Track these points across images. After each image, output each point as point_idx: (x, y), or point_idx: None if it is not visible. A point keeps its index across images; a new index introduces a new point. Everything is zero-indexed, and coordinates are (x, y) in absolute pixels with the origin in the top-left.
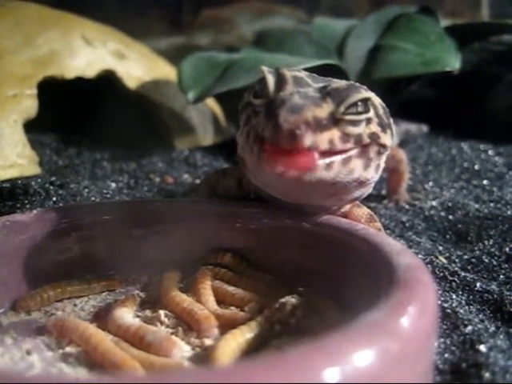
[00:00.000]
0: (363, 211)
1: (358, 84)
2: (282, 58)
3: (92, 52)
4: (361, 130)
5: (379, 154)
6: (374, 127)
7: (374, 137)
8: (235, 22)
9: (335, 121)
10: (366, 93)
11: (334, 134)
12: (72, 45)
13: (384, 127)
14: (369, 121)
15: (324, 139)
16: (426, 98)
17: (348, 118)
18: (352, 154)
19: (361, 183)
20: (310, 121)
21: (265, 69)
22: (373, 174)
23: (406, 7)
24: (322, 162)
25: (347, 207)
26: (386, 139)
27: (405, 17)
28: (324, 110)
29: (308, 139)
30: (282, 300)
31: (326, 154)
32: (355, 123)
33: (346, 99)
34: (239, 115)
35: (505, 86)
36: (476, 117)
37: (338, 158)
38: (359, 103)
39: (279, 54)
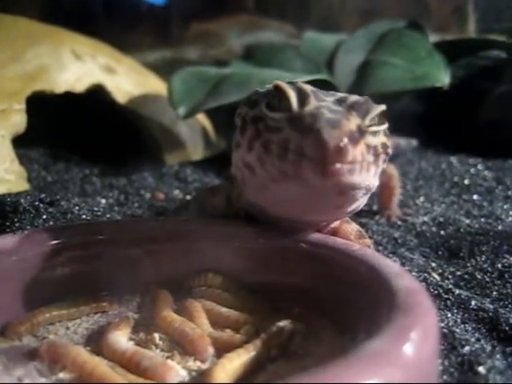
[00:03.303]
0: (352, 227)
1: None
2: (272, 74)
3: (81, 66)
4: (379, 141)
5: (384, 162)
6: (384, 137)
7: (384, 146)
8: (224, 35)
9: (361, 133)
10: (381, 105)
11: (363, 146)
12: (61, 59)
13: (388, 136)
14: (384, 132)
15: (359, 152)
16: (414, 112)
17: (371, 129)
18: (370, 160)
19: (367, 191)
20: (350, 135)
21: (281, 83)
22: (377, 182)
23: (394, 22)
24: (358, 166)
25: (337, 223)
26: (391, 148)
27: (394, 32)
28: (353, 123)
29: (351, 153)
30: (280, 324)
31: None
32: (375, 135)
33: (369, 112)
34: (240, 132)
35: (492, 100)
36: (464, 131)
37: (364, 165)
38: (376, 116)
39: (269, 70)
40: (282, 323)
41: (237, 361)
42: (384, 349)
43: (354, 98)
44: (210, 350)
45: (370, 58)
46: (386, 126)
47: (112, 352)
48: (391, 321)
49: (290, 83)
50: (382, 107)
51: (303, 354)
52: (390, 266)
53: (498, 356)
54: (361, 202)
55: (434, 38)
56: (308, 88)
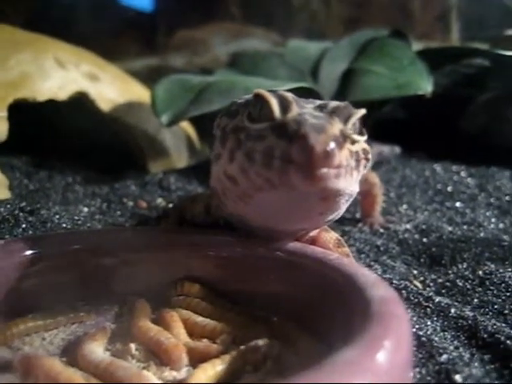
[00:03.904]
0: (331, 236)
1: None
2: (256, 82)
3: (64, 74)
4: (360, 146)
5: (364, 167)
6: (364, 143)
7: (365, 152)
8: (210, 43)
9: (344, 138)
10: (361, 110)
11: (346, 151)
12: (44, 67)
13: (368, 142)
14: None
15: (343, 156)
16: (398, 120)
17: (353, 134)
18: (353, 165)
19: (349, 198)
20: (335, 139)
21: (262, 91)
22: (357, 188)
23: (378, 30)
24: (343, 171)
25: (315, 232)
26: (370, 154)
27: (378, 41)
28: (337, 128)
29: (338, 157)
30: (259, 343)
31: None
32: (357, 140)
33: (350, 117)
34: (220, 143)
35: (475, 108)
36: (448, 138)
37: (348, 169)
38: (357, 121)
39: (253, 77)
40: (260, 342)
41: (211, 371)
42: (356, 358)
43: (334, 103)
44: (185, 359)
45: (353, 66)
46: (365, 137)
47: (87, 363)
48: (365, 330)
49: (271, 91)
50: (363, 111)
51: (281, 364)
52: (366, 275)
53: (476, 364)
54: (342, 209)
55: (418, 45)
56: (289, 95)
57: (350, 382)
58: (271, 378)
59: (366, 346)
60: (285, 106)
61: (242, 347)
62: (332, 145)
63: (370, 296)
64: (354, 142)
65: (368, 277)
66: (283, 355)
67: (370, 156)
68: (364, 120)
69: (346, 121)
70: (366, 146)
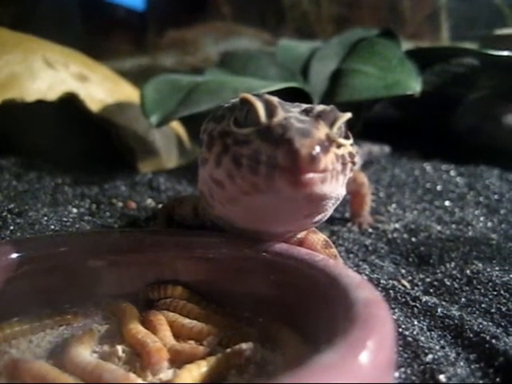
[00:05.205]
0: (319, 237)
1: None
2: (245, 82)
3: (54, 75)
4: (346, 150)
5: (350, 171)
6: (350, 147)
7: (351, 155)
8: (200, 43)
9: (330, 142)
10: (347, 113)
11: (332, 155)
12: (33, 67)
13: (353, 145)
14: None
15: (329, 160)
16: (388, 119)
17: (339, 138)
18: (339, 169)
19: (336, 201)
20: (320, 143)
21: (248, 96)
22: (344, 192)
23: (368, 29)
24: (329, 175)
25: (303, 233)
26: (357, 157)
27: (367, 40)
28: (322, 132)
29: (323, 161)
30: (243, 346)
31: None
32: (343, 143)
33: (336, 120)
34: (207, 147)
35: (465, 107)
36: (438, 137)
37: (334, 174)
38: (342, 125)
39: (243, 78)
40: (244, 346)
41: (196, 371)
42: (338, 360)
43: (320, 107)
44: (165, 364)
45: (342, 66)
46: (351, 140)
47: (74, 365)
48: (347, 332)
49: (256, 95)
50: (348, 115)
51: (267, 365)
52: (351, 276)
53: (461, 363)
54: (328, 211)
55: (408, 45)
56: (275, 99)
57: (331, 383)
58: (256, 380)
59: (348, 347)
60: (270, 110)
61: (227, 350)
62: (318, 149)
63: (354, 298)
64: (339, 145)
65: (353, 278)
66: (269, 356)
67: (356, 159)
68: (350, 123)
69: (331, 125)
70: (351, 149)
